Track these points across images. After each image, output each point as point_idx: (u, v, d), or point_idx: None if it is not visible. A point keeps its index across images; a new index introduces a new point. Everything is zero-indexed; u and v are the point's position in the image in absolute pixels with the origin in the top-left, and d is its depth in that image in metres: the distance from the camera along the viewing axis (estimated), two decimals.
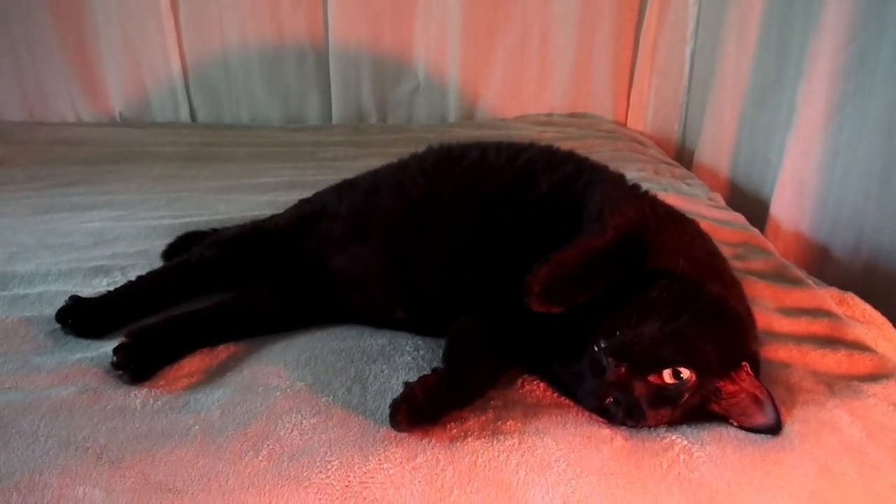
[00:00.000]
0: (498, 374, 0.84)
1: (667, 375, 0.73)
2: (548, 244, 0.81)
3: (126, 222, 1.38)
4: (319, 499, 0.67)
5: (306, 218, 1.07)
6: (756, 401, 0.74)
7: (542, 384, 0.83)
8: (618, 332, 0.74)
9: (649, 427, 0.75)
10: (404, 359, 0.88)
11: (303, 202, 1.12)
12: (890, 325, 0.99)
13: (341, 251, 0.98)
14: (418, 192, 1.00)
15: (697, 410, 0.75)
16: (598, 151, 1.74)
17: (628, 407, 0.74)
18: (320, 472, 0.70)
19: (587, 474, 0.69)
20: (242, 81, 2.14)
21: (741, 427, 0.74)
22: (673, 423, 0.75)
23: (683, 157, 1.99)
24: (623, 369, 0.73)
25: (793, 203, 1.45)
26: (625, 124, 2.21)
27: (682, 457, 0.71)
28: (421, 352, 0.90)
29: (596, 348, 0.75)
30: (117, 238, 1.29)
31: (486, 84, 2.19)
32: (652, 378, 0.73)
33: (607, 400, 0.75)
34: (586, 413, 0.78)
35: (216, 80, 2.13)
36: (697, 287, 0.79)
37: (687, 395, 0.73)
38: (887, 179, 1.23)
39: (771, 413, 0.73)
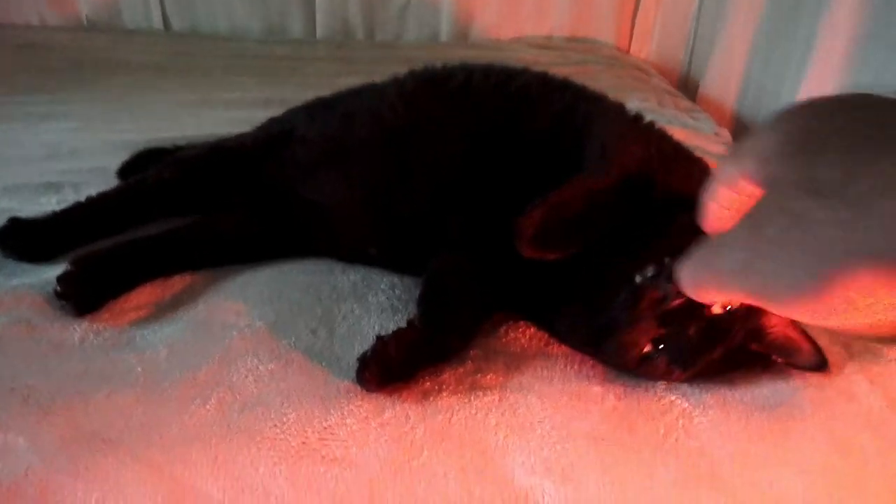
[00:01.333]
0: (481, 321, 0.75)
1: (719, 306, 0.63)
2: (541, 182, 0.72)
3: (84, 135, 1.27)
4: (272, 455, 0.60)
5: (275, 139, 0.96)
6: (791, 337, 0.66)
7: (527, 332, 0.75)
8: (665, 260, 0.63)
9: (691, 379, 0.67)
10: (378, 298, 0.80)
11: (272, 121, 1.01)
12: None
13: (310, 178, 0.89)
14: (397, 119, 0.89)
15: (740, 351, 0.66)
16: (599, 79, 1.63)
17: (677, 350, 0.65)
18: (274, 425, 0.62)
19: (574, 438, 0.62)
20: None
21: (787, 364, 0.68)
22: (713, 372, 0.67)
23: (688, 88, 1.88)
24: (684, 298, 0.61)
25: None
26: (628, 51, 2.08)
27: (681, 422, 0.64)
28: (397, 291, 0.81)
29: (639, 279, 0.64)
30: (73, 152, 1.18)
31: (482, 2, 2.05)
32: (706, 309, 0.63)
33: (646, 347, 0.66)
34: (575, 367, 0.70)
35: None
36: None
37: (736, 330, 0.65)
38: None
39: (811, 348, 0.66)
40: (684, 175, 0.80)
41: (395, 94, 0.93)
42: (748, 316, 0.65)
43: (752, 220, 0.42)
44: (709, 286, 0.44)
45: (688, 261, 0.44)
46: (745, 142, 0.43)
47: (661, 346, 0.65)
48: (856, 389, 0.67)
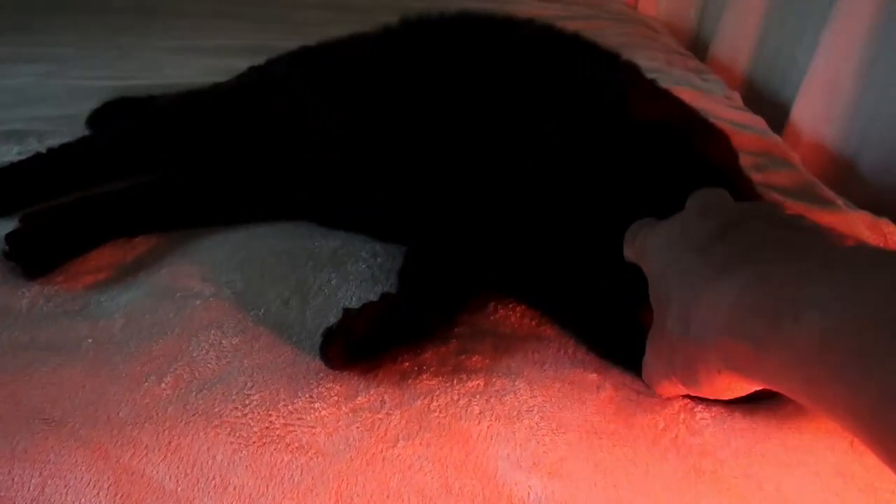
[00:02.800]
0: (468, 299, 0.69)
1: None
2: (545, 140, 0.66)
3: (56, 80, 1.19)
4: (231, 441, 0.54)
5: (254, 89, 0.89)
6: None
7: (518, 309, 0.69)
8: None
9: None
10: (358, 267, 0.74)
11: (252, 70, 0.94)
12: None
13: (290, 134, 0.81)
14: (386, 72, 0.81)
15: None
16: (606, 35, 1.53)
17: None
18: (236, 407, 0.56)
19: (565, 430, 0.56)
20: None
21: None
22: None
23: (697, 49, 1.79)
24: None
25: (819, 109, 1.28)
26: (635, 6, 1.99)
27: (681, 416, 0.58)
28: (379, 259, 0.75)
29: None
30: (42, 98, 1.11)
31: None
32: None
33: None
34: (570, 352, 0.64)
35: None
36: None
37: None
38: None
39: None
40: (709, 144, 0.73)
41: (386, 44, 0.86)
42: None
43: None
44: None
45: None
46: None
47: None
48: None
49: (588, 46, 0.81)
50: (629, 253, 0.58)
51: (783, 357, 0.38)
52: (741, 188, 0.69)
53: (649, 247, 0.56)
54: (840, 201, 0.94)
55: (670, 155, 0.66)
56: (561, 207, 0.67)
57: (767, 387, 0.44)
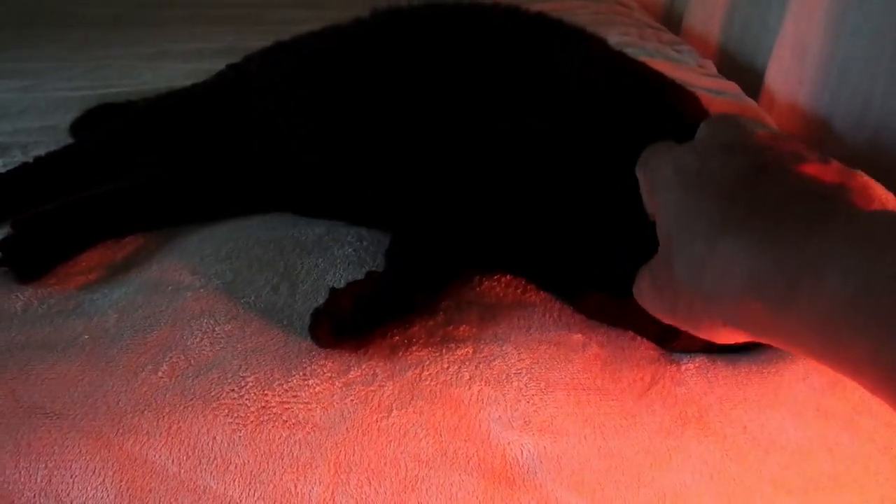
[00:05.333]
0: (454, 276, 0.70)
1: None
2: (515, 125, 0.67)
3: (36, 93, 1.20)
4: (230, 422, 0.56)
5: (231, 86, 0.90)
6: None
7: (503, 280, 0.70)
8: None
9: None
10: (344, 251, 0.75)
11: (229, 67, 0.95)
12: None
13: (268, 129, 0.83)
14: (359, 63, 0.83)
15: None
16: (577, 14, 1.56)
17: None
18: (232, 389, 0.58)
19: (553, 389, 0.58)
20: None
21: None
22: None
23: (671, 22, 1.81)
24: None
25: (791, 70, 1.30)
26: None
27: (667, 368, 0.60)
28: (364, 243, 0.76)
29: None
30: (23, 111, 1.12)
31: None
32: None
33: None
34: (555, 315, 0.66)
35: None
36: None
37: None
38: None
39: None
40: (686, 107, 0.75)
41: (358, 35, 0.87)
42: None
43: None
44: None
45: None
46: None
47: None
48: None
49: (554, 25, 0.83)
50: (640, 175, 0.53)
51: (803, 318, 0.38)
52: None
53: (662, 180, 0.50)
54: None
55: (649, 114, 0.68)
56: (547, 197, 0.68)
57: (782, 346, 0.42)
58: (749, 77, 1.39)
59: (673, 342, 0.61)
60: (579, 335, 0.63)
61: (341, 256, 0.74)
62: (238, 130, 0.85)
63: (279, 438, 0.55)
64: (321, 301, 0.64)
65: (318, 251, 0.75)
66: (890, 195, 0.90)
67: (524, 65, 0.77)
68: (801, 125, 1.28)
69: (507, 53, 0.78)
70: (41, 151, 0.89)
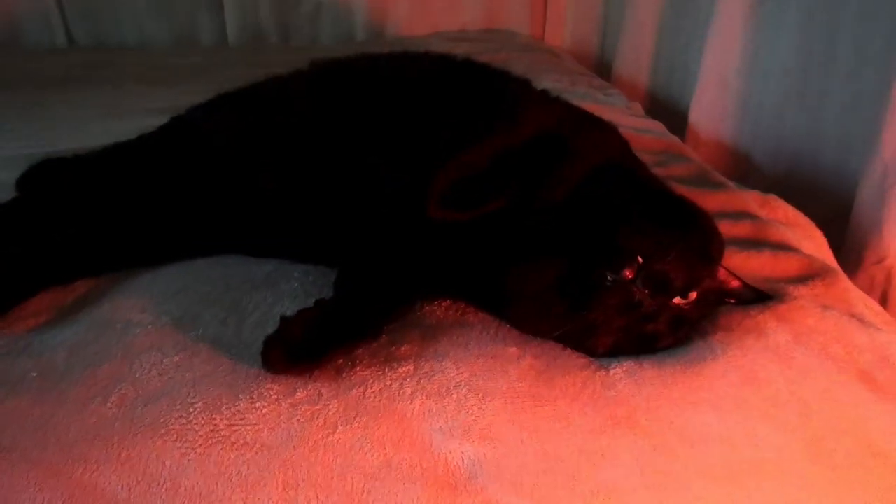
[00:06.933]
0: (401, 302, 0.72)
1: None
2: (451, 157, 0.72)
3: None
4: (178, 447, 0.57)
5: (176, 136, 0.93)
6: (733, 285, 0.71)
7: (443, 304, 0.74)
8: (640, 258, 0.62)
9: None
10: (291, 285, 0.77)
11: (174, 119, 0.98)
12: (813, 224, 0.94)
13: (214, 171, 0.86)
14: (300, 110, 0.87)
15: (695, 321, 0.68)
16: (512, 64, 1.62)
17: (642, 342, 0.65)
18: (181, 416, 0.59)
19: (491, 399, 0.61)
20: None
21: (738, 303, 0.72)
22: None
23: (602, 70, 1.90)
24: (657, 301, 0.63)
25: (713, 108, 1.39)
26: (542, 38, 2.10)
27: (597, 374, 0.64)
28: (311, 277, 0.79)
29: (611, 278, 0.61)
30: None
31: (395, 0, 2.04)
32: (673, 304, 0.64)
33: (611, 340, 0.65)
34: (492, 332, 0.69)
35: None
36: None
37: (700, 312, 0.67)
38: (805, 79, 1.17)
39: (747, 288, 0.71)
40: (597, 137, 0.80)
41: (298, 85, 0.92)
42: (710, 293, 0.68)
43: None
44: None
45: None
46: None
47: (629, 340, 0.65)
48: (763, 327, 0.68)
49: (480, 68, 0.89)
50: None
51: None
52: (635, 168, 0.77)
53: None
54: (731, 184, 1.03)
55: (549, 156, 0.73)
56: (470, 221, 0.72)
57: None
58: (676, 118, 1.47)
59: (593, 341, 0.65)
60: (514, 348, 0.66)
61: (288, 290, 0.76)
62: (183, 176, 0.87)
63: (228, 460, 0.57)
64: (270, 330, 0.66)
65: (266, 286, 0.77)
66: (800, 214, 0.97)
67: (450, 104, 0.82)
68: (724, 159, 1.36)
69: (434, 94, 0.83)
70: None
